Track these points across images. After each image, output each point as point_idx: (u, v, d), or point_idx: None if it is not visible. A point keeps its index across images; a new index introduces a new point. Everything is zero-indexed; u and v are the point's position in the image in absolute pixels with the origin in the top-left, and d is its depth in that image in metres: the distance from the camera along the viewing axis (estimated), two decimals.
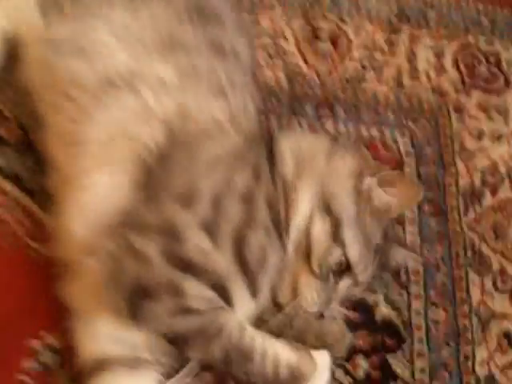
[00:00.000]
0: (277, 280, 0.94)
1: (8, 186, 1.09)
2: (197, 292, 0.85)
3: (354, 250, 0.95)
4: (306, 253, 0.95)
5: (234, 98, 1.01)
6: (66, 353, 0.97)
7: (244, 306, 0.91)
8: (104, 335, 0.92)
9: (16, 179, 1.09)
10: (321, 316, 0.98)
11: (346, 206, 0.96)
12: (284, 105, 1.31)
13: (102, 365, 0.92)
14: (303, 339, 0.95)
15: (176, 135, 0.94)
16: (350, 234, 0.95)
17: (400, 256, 1.08)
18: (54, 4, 1.07)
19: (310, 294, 0.95)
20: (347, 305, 1.08)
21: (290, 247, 0.95)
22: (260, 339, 0.89)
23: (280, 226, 0.94)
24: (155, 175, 0.91)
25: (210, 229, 0.87)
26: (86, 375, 0.92)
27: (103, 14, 1.02)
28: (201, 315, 0.85)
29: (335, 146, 1.04)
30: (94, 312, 0.92)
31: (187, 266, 0.85)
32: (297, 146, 1.02)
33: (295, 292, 0.96)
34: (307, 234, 0.95)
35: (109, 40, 1.00)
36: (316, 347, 0.94)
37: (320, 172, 0.98)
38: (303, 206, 0.96)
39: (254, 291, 0.91)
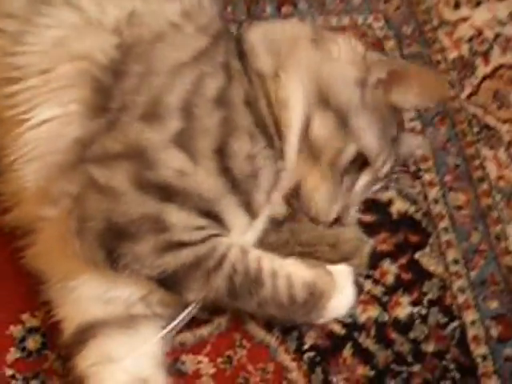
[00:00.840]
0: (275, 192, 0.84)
1: None
2: (183, 221, 0.75)
3: (370, 142, 0.85)
4: (313, 156, 0.84)
5: None
6: (52, 331, 0.86)
7: (242, 228, 0.82)
8: (88, 298, 0.82)
9: None
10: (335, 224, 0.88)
11: (348, 95, 0.86)
12: (241, 10, 1.21)
13: (91, 331, 0.81)
14: (317, 255, 0.86)
15: (129, 45, 0.82)
16: (361, 125, 0.85)
17: (407, 143, 0.97)
18: None
19: (325, 201, 0.86)
20: (360, 208, 0.98)
21: (291, 153, 0.84)
22: (267, 260, 0.81)
23: (267, 129, 0.83)
24: (111, 95, 0.79)
25: (185, 145, 0.77)
26: (74, 347, 0.81)
27: None
28: (193, 246, 0.76)
29: (318, 29, 0.93)
30: (71, 274, 0.81)
31: (165, 193, 0.75)
32: (269, 35, 0.90)
33: (304, 202, 0.86)
34: (309, 134, 0.84)
35: None
36: (333, 262, 0.86)
37: (308, 60, 0.86)
38: (297, 102, 0.85)
39: (250, 210, 0.82)
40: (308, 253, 0.84)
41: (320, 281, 0.81)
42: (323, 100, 0.84)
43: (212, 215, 0.77)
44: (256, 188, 0.80)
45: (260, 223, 0.85)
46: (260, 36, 0.90)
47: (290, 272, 0.80)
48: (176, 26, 0.85)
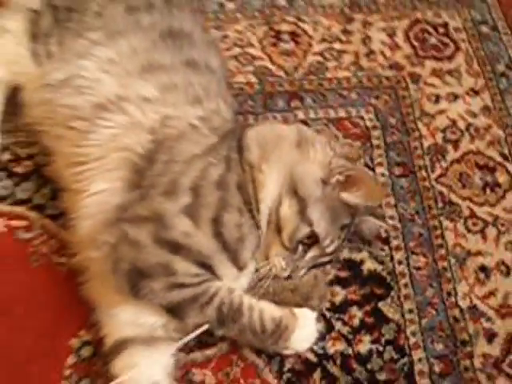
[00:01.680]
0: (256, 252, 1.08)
1: (32, 214, 1.27)
2: (185, 269, 1.00)
3: (321, 228, 1.08)
4: (277, 229, 1.08)
5: (208, 105, 1.16)
6: (99, 344, 1.14)
7: (231, 277, 1.06)
8: (124, 322, 1.08)
9: (38, 207, 1.28)
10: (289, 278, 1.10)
11: (312, 190, 1.09)
12: (258, 104, 1.47)
13: (124, 345, 1.07)
14: (284, 301, 1.09)
15: (160, 141, 1.10)
16: (315, 215, 1.08)
17: (371, 225, 1.20)
18: (44, 52, 1.26)
19: (280, 264, 1.08)
20: (337, 265, 1.24)
21: (263, 223, 1.09)
22: (247, 298, 1.05)
23: (251, 206, 1.07)
24: (144, 175, 1.07)
25: (192, 214, 1.02)
26: (112, 356, 1.08)
27: (89, 53, 1.20)
28: (192, 287, 1.01)
29: (303, 134, 1.16)
30: (113, 304, 1.08)
31: (174, 248, 1.00)
32: (262, 134, 1.15)
33: (268, 262, 1.10)
34: (277, 212, 1.08)
35: (98, 74, 1.18)
36: (298, 304, 1.08)
37: (287, 158, 1.11)
38: (271, 186, 1.08)
39: (238, 264, 1.05)
40: (277, 300, 1.08)
41: (284, 317, 1.05)
42: (292, 189, 1.07)
43: (207, 266, 1.01)
44: (242, 248, 1.05)
45: (248, 274, 1.09)
46: (255, 133, 1.15)
47: (263, 308, 1.04)
48: (195, 126, 1.13)
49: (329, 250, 1.10)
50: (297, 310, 1.07)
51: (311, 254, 1.09)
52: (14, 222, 1.27)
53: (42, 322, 1.18)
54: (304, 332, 1.07)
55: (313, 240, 1.08)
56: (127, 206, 1.06)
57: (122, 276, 1.01)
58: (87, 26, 1.25)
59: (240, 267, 1.06)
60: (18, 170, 1.33)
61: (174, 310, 1.02)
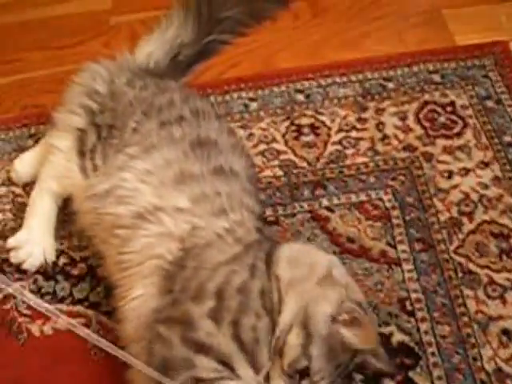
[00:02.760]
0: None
1: (89, 311, 1.45)
2: (206, 365, 1.06)
3: (316, 366, 1.09)
4: (280, 352, 1.12)
5: (233, 216, 1.28)
6: None
7: (249, 377, 1.09)
8: None
9: (94, 305, 1.45)
10: None
11: (319, 328, 1.11)
12: (286, 195, 1.61)
13: None
14: None
15: (188, 249, 1.23)
16: (316, 352, 1.12)
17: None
18: (90, 166, 1.44)
19: None
20: None
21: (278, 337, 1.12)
22: None
23: (273, 313, 1.12)
24: (175, 281, 1.19)
25: (215, 317, 1.09)
26: None
27: (128, 166, 1.36)
28: (210, 381, 1.08)
29: (331, 271, 1.21)
30: None
31: (199, 347, 1.07)
32: (295, 256, 1.23)
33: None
34: (284, 339, 1.11)
35: (137, 185, 1.33)
36: None
37: (309, 292, 1.17)
38: (286, 315, 1.14)
39: (255, 365, 1.09)
40: None
41: None
42: (304, 322, 1.11)
43: (227, 364, 1.07)
44: (258, 350, 1.09)
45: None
46: (288, 251, 1.21)
47: None
48: (221, 236, 1.22)
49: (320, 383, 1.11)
50: None
51: (304, 382, 1.11)
52: (74, 320, 1.42)
53: None
54: None
55: (307, 372, 1.11)
56: (161, 309, 1.17)
57: (153, 367, 1.10)
58: (126, 142, 1.41)
59: (257, 368, 1.10)
60: (74, 272, 1.51)
61: None
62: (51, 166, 1.54)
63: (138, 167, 1.35)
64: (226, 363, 1.09)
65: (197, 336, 1.10)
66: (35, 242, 1.52)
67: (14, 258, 1.52)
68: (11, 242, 1.52)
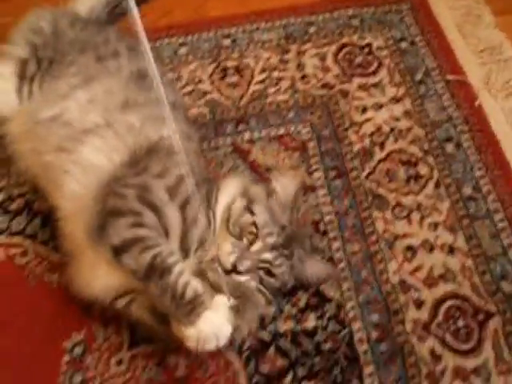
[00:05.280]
0: (203, 241, 1.19)
1: (26, 241, 1.48)
2: (150, 219, 1.15)
3: (260, 219, 1.23)
4: (226, 223, 1.23)
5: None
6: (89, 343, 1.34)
7: (175, 245, 1.17)
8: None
9: (31, 236, 1.50)
10: (237, 272, 1.18)
11: (258, 194, 1.27)
12: (211, 131, 1.66)
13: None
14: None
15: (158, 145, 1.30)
16: (258, 209, 1.25)
17: (314, 269, 1.31)
18: (27, 92, 1.49)
19: (226, 247, 1.19)
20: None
21: (218, 219, 1.24)
22: (180, 266, 1.12)
23: (210, 204, 1.25)
24: (141, 161, 1.26)
25: (171, 192, 1.18)
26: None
27: (70, 95, 1.40)
28: (148, 229, 1.14)
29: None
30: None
31: (150, 206, 1.16)
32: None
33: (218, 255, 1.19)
34: (229, 208, 1.24)
35: (81, 112, 1.37)
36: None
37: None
38: (227, 194, 1.27)
39: (183, 243, 1.18)
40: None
41: (205, 295, 1.12)
42: (244, 193, 1.26)
43: (166, 230, 1.16)
44: (194, 228, 1.18)
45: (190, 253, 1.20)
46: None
47: (191, 280, 1.12)
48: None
49: (268, 241, 1.21)
50: (217, 296, 1.15)
51: (255, 247, 1.21)
52: (12, 250, 1.47)
53: (40, 330, 1.36)
54: (214, 316, 1.12)
55: (255, 234, 1.21)
56: (122, 176, 1.23)
57: (96, 214, 1.17)
58: (63, 74, 1.47)
59: (184, 248, 1.18)
60: (13, 207, 1.55)
61: (121, 247, 1.13)
62: None
63: (80, 97, 1.39)
64: (164, 227, 1.17)
65: (151, 198, 1.18)
66: None
67: None
68: None
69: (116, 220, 1.16)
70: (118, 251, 1.14)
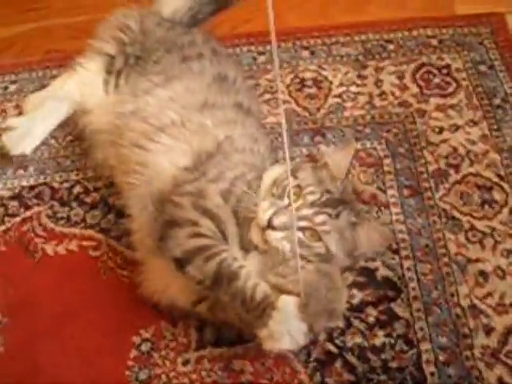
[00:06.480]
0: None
1: (100, 235, 1.50)
2: (208, 227, 1.16)
3: (304, 181, 1.19)
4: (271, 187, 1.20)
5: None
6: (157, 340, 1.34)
7: (235, 247, 1.18)
8: None
9: (104, 230, 1.51)
10: (272, 228, 1.12)
11: (306, 165, 1.28)
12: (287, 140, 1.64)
13: None
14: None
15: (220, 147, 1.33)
16: (303, 174, 1.22)
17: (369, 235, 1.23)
18: (114, 84, 1.56)
19: (264, 205, 1.15)
20: (355, 273, 1.39)
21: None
22: (247, 270, 1.13)
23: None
24: (201, 166, 1.29)
25: (224, 197, 1.20)
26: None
27: (152, 92, 1.45)
28: (207, 239, 1.15)
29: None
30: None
31: (206, 213, 1.18)
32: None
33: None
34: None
35: (160, 109, 1.41)
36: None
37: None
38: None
39: (243, 242, 1.19)
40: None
41: (273, 296, 1.10)
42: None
43: (223, 234, 1.18)
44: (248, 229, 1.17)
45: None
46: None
47: (258, 281, 1.11)
48: (243, 149, 1.37)
49: (309, 199, 1.16)
50: (283, 296, 1.11)
51: (296, 204, 1.15)
52: (85, 243, 1.49)
53: (109, 323, 1.38)
54: (284, 315, 1.08)
55: (298, 195, 1.17)
56: (180, 183, 1.26)
57: (159, 225, 1.20)
58: (148, 71, 1.52)
59: (244, 247, 1.19)
60: (88, 200, 1.57)
61: (184, 259, 1.14)
62: (76, 75, 1.62)
63: (161, 94, 1.43)
64: (223, 233, 1.18)
65: (206, 204, 1.19)
66: (31, 131, 1.61)
67: (7, 139, 1.60)
68: (9, 122, 1.62)
69: (174, 232, 1.17)
70: (182, 263, 1.15)
